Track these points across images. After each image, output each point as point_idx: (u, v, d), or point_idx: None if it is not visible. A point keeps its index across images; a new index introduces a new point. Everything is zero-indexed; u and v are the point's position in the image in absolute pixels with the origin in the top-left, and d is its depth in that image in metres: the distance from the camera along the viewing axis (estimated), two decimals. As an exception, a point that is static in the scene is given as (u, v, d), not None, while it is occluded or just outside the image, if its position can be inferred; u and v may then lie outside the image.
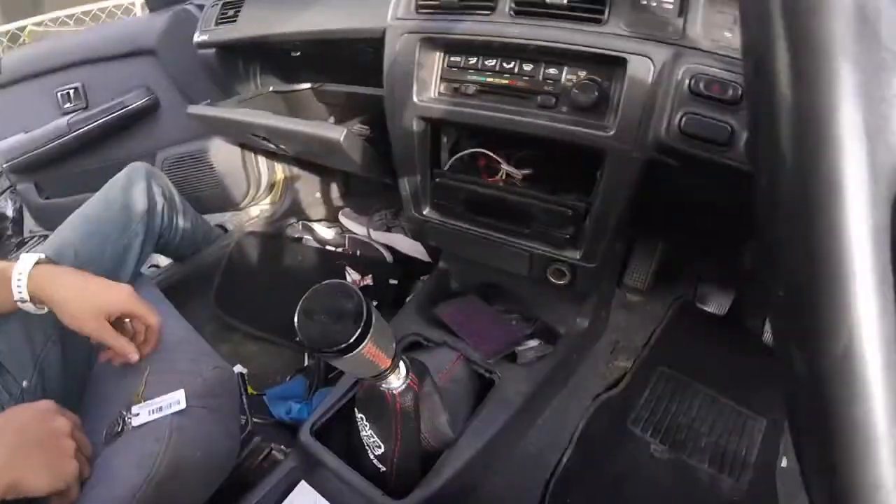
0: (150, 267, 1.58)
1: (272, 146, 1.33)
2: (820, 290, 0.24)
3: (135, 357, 0.81)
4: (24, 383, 0.81)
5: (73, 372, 0.90)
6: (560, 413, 1.21)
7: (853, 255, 0.24)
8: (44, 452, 0.65)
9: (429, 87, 0.95)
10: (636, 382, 1.31)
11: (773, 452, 1.10)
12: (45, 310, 0.79)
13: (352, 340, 0.58)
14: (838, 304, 0.24)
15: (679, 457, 1.16)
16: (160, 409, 0.77)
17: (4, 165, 1.68)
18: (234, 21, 1.29)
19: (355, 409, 0.87)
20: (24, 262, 0.77)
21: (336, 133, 0.99)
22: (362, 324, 0.58)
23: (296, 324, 0.60)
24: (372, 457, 0.85)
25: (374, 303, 1.37)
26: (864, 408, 0.24)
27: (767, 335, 1.19)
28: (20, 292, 0.76)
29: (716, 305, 1.32)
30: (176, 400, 0.78)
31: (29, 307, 0.78)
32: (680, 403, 1.24)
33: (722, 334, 1.35)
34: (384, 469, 0.85)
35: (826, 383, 0.25)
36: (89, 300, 0.77)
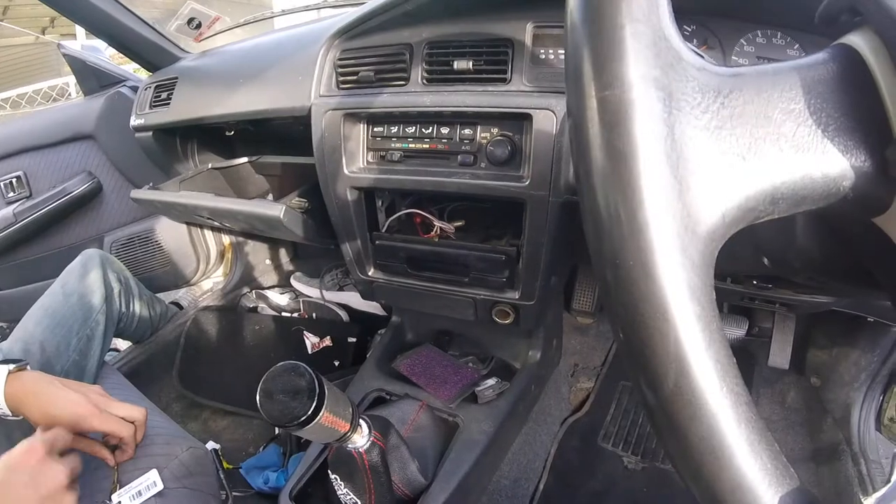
0: (109, 351, 1.57)
1: (217, 223, 1.35)
2: (645, 344, 0.27)
3: (111, 462, 0.82)
4: None
5: None
6: (530, 443, 1.26)
7: (671, 316, 0.26)
8: None
9: (357, 158, 1.00)
10: (601, 400, 1.37)
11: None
12: (21, 417, 0.81)
13: (309, 413, 0.64)
14: (661, 354, 0.27)
15: (652, 464, 1.21)
16: (139, 493, 0.79)
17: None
18: (168, 104, 1.32)
19: (329, 471, 0.89)
20: None
21: (276, 211, 1.03)
22: (316, 397, 0.64)
23: (258, 405, 0.66)
24: (351, 513, 0.88)
25: (336, 362, 1.41)
26: (705, 426, 0.27)
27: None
28: (1, 408, 0.79)
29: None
30: (152, 481, 0.80)
31: (9, 417, 0.81)
32: (646, 413, 1.29)
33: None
34: (364, 524, 0.87)
35: (667, 411, 0.28)
36: (59, 419, 0.78)
